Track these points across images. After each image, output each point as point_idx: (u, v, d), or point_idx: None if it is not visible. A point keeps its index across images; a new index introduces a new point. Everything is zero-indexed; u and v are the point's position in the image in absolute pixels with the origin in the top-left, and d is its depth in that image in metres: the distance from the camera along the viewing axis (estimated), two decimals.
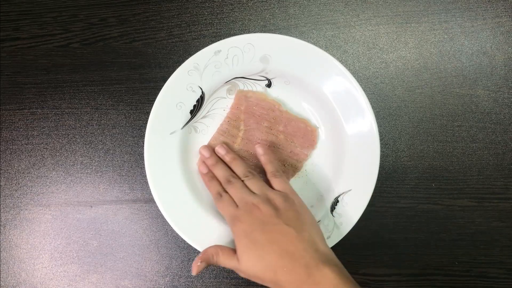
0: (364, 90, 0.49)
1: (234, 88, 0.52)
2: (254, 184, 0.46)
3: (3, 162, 0.55)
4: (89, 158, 0.54)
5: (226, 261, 0.43)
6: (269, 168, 0.48)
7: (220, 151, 0.50)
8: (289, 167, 0.52)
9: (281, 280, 0.39)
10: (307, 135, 0.51)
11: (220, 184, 0.48)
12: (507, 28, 0.54)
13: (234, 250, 0.44)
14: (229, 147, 0.51)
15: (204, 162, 0.50)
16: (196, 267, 0.43)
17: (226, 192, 0.47)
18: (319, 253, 0.40)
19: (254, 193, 0.45)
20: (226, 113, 0.52)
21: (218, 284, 0.53)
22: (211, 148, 0.50)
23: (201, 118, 0.52)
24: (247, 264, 0.41)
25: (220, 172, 0.48)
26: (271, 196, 0.44)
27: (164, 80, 0.49)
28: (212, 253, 0.44)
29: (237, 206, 0.45)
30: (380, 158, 0.49)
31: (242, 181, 0.47)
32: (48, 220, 0.54)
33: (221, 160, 0.50)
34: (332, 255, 0.41)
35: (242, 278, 0.53)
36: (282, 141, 0.51)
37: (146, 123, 0.49)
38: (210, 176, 0.49)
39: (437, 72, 0.54)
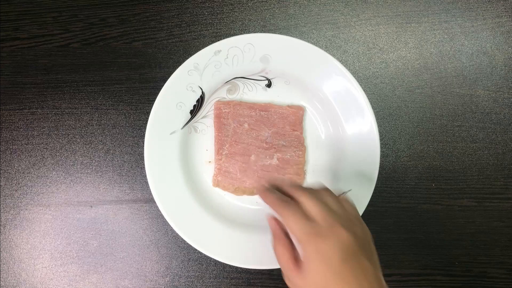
0: (364, 90, 0.49)
1: (234, 88, 0.52)
2: (330, 199, 0.38)
3: (3, 162, 0.55)
4: (89, 158, 0.54)
5: (289, 273, 0.37)
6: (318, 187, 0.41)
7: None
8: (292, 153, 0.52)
9: None
10: (290, 116, 0.52)
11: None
12: (507, 28, 0.54)
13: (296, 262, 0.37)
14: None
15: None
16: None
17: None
18: None
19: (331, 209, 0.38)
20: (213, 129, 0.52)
21: (218, 284, 0.53)
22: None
23: (201, 118, 0.52)
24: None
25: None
26: (350, 220, 0.37)
27: (164, 80, 0.49)
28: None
29: (308, 219, 0.37)
30: (380, 158, 0.49)
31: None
32: (48, 220, 0.54)
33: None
34: None
35: (242, 278, 0.53)
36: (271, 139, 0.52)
37: (146, 123, 0.49)
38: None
39: (437, 72, 0.54)
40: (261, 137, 0.51)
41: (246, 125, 0.51)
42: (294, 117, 0.51)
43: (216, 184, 0.51)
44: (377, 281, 0.35)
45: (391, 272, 0.53)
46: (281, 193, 0.40)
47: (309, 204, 0.37)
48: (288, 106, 0.52)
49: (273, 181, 0.43)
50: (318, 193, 0.39)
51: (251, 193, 0.51)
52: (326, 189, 0.41)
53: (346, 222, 0.36)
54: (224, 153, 0.51)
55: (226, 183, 0.51)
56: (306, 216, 0.37)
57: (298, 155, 0.51)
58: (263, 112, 0.51)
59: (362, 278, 0.35)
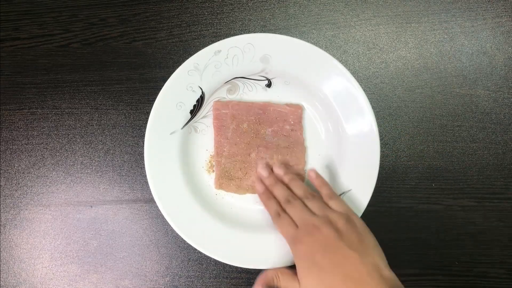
0: (364, 90, 0.49)
1: (234, 88, 0.52)
2: (315, 204, 0.44)
3: (3, 162, 0.55)
4: (89, 158, 0.54)
5: (287, 284, 0.43)
6: (324, 191, 0.46)
7: (279, 171, 0.49)
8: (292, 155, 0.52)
9: None
10: (290, 115, 0.52)
11: (279, 204, 0.47)
12: (507, 28, 0.54)
13: (294, 272, 0.42)
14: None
15: (261, 181, 0.49)
16: None
17: (285, 212, 0.45)
18: (384, 279, 0.38)
19: (314, 214, 0.43)
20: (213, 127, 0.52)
21: (218, 284, 0.53)
22: (269, 168, 0.50)
23: (201, 118, 0.52)
24: None
25: (280, 191, 0.47)
26: (332, 218, 0.42)
27: (164, 80, 0.49)
28: (273, 277, 0.44)
29: (297, 226, 0.43)
30: (380, 158, 0.49)
31: (302, 202, 0.45)
32: (48, 220, 0.54)
33: (279, 180, 0.49)
34: (397, 280, 0.39)
35: (242, 278, 0.53)
36: (269, 137, 0.52)
37: (146, 123, 0.49)
38: (268, 195, 0.48)
39: (437, 72, 0.54)
40: (261, 136, 0.51)
41: (245, 125, 0.51)
42: (293, 116, 0.51)
43: (219, 186, 0.51)
44: (368, 266, 0.39)
45: None
46: (276, 204, 0.47)
47: (294, 215, 0.44)
48: (287, 104, 0.52)
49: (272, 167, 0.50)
50: (307, 201, 0.45)
51: (254, 191, 0.51)
52: (313, 195, 0.46)
53: (325, 223, 0.42)
54: (224, 154, 0.51)
55: (228, 184, 0.51)
56: (293, 224, 0.44)
57: (298, 155, 0.51)
58: (262, 111, 0.51)
59: (348, 265, 0.39)
